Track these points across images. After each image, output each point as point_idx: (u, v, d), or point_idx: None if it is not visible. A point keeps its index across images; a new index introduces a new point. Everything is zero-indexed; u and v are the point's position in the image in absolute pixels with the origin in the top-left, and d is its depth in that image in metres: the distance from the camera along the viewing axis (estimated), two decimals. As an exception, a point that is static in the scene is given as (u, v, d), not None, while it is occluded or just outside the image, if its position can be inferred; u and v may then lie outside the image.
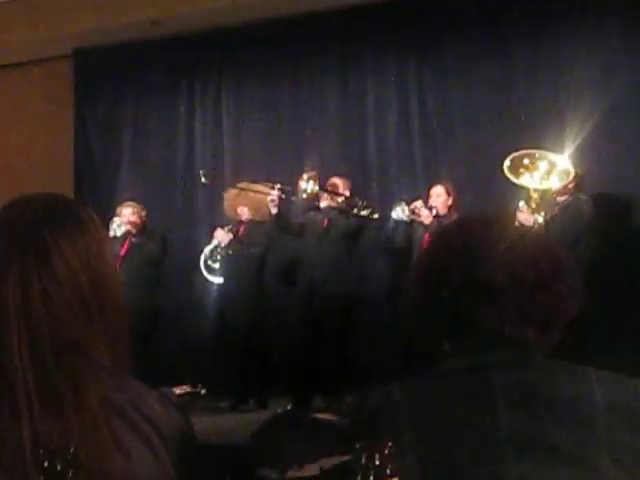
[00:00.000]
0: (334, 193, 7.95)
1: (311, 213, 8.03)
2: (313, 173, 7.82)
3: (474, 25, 8.60)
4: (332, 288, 7.67)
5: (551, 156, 6.90)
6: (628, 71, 8.04)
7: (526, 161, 6.89)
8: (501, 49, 8.55)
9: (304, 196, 7.77)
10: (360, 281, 8.13)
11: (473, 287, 1.64)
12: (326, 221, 7.90)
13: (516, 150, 7.04)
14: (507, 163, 6.87)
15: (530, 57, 8.45)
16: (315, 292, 7.74)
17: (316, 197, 7.89)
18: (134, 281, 7.72)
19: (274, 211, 7.82)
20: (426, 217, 7.59)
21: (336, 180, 8.03)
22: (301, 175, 7.82)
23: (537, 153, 6.94)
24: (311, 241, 7.91)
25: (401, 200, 7.89)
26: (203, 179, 8.28)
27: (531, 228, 5.92)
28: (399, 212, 7.77)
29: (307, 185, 7.74)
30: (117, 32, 9.46)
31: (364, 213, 7.88)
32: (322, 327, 7.74)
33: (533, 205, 6.71)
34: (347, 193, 8.02)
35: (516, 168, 6.86)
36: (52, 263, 1.48)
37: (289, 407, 7.48)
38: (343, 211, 7.90)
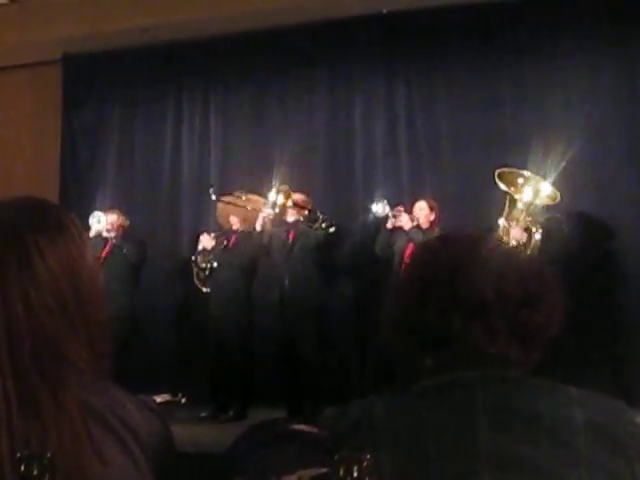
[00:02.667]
0: (302, 207, 7.95)
1: (275, 229, 7.98)
2: (285, 187, 7.83)
3: (462, 42, 8.64)
4: (303, 301, 7.72)
5: (538, 179, 6.95)
6: (613, 92, 8.11)
7: (516, 178, 6.94)
8: (488, 66, 8.60)
9: (276, 210, 7.78)
10: (332, 292, 8.21)
11: (461, 304, 1.63)
12: (292, 233, 7.91)
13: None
14: (500, 171, 6.94)
15: (516, 76, 8.49)
16: (286, 305, 7.75)
17: (285, 211, 7.87)
18: (112, 285, 7.73)
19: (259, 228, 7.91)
20: (406, 222, 7.64)
21: (299, 196, 8.02)
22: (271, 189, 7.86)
23: (526, 173, 7.00)
24: (278, 256, 7.91)
25: (383, 197, 7.95)
26: (213, 196, 8.27)
27: (522, 245, 5.99)
28: (379, 208, 7.83)
29: (277, 198, 7.76)
30: (106, 39, 9.46)
31: (323, 226, 7.88)
32: (295, 341, 7.78)
33: (517, 217, 6.76)
34: (308, 206, 8.04)
35: (505, 181, 6.91)
36: (33, 266, 1.47)
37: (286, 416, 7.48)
38: (309, 224, 7.91)
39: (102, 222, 8.34)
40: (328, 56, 9.19)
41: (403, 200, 8.26)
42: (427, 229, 7.65)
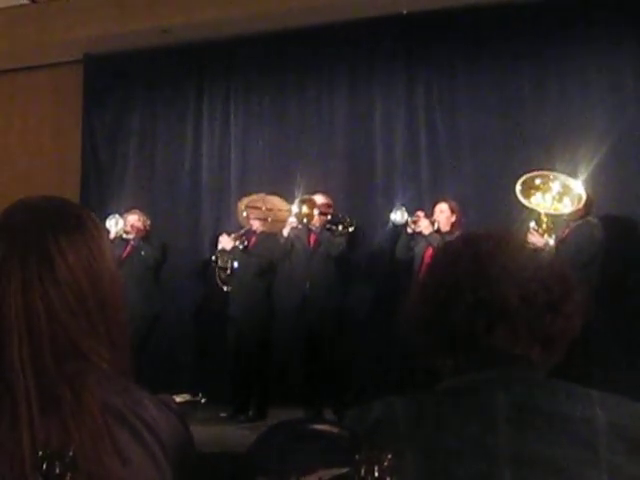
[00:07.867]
0: (325, 214, 7.95)
1: (296, 231, 7.93)
2: (307, 197, 7.84)
3: (482, 43, 8.62)
4: (323, 304, 7.69)
5: (564, 178, 6.91)
6: (635, 92, 8.05)
7: (538, 181, 6.91)
8: (509, 67, 8.56)
9: (303, 221, 7.77)
10: (353, 295, 8.20)
11: (485, 307, 1.63)
12: (313, 238, 7.92)
13: (523, 171, 7.07)
14: (518, 187, 6.90)
15: (537, 77, 8.46)
16: (307, 308, 7.74)
17: (311, 219, 7.86)
18: (132, 286, 7.77)
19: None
20: (426, 227, 7.64)
21: (321, 198, 8.02)
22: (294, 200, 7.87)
23: (551, 175, 6.97)
24: (299, 259, 7.90)
25: (402, 205, 7.94)
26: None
27: (542, 249, 5.93)
28: (398, 216, 7.84)
29: (301, 208, 7.77)
30: (127, 39, 9.48)
31: (341, 228, 7.94)
32: (317, 342, 7.77)
33: (544, 227, 6.71)
34: (330, 210, 8.06)
35: (527, 189, 6.87)
36: (54, 266, 1.48)
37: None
38: (330, 229, 7.93)
39: (120, 225, 8.40)
40: (348, 57, 9.19)
41: (423, 202, 8.25)
42: (448, 231, 7.63)
